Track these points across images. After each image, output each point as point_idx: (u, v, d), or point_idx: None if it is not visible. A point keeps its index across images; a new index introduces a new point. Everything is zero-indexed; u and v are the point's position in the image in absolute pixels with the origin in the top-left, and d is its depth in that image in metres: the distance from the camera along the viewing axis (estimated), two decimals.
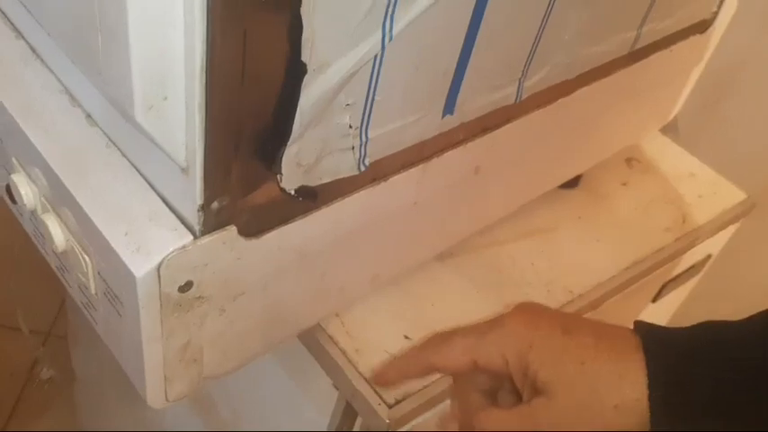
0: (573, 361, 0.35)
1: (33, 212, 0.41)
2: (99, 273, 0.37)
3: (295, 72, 0.31)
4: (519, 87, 0.44)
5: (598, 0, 0.43)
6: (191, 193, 0.33)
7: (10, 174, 0.41)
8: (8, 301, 0.92)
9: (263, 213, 0.36)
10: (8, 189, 0.45)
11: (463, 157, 0.45)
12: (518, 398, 0.38)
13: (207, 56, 0.28)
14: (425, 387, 0.48)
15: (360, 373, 0.48)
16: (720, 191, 0.69)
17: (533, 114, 0.47)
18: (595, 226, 0.62)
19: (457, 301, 0.54)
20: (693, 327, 0.36)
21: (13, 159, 0.41)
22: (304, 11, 0.29)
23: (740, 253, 0.75)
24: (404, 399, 0.47)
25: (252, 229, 0.36)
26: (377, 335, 0.50)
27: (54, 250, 0.40)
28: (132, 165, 0.37)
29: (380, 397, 0.47)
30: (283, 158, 0.33)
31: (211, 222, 0.34)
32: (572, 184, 0.64)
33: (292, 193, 0.35)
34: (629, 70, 0.52)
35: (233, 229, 0.35)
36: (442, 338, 0.40)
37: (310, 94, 0.32)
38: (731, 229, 0.70)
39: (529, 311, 0.39)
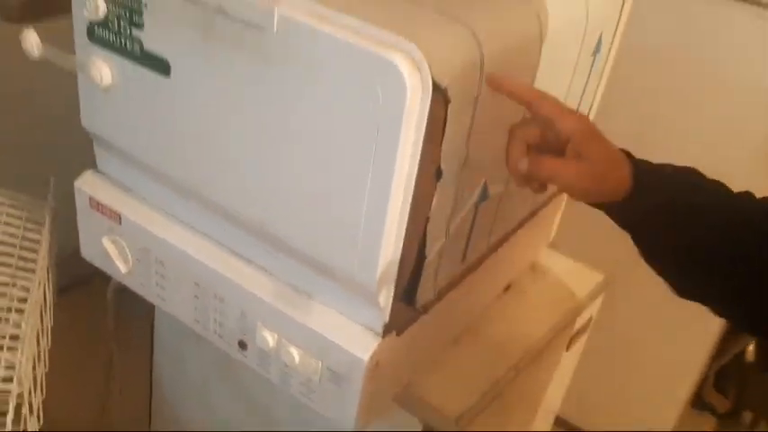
0: (607, 152, 0.67)
1: (272, 350, 0.80)
2: (328, 367, 0.77)
3: (422, 257, 0.74)
4: (489, 243, 0.89)
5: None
6: (382, 318, 0.74)
7: (258, 333, 0.81)
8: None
9: (402, 323, 0.78)
10: (241, 343, 0.85)
11: (470, 278, 0.89)
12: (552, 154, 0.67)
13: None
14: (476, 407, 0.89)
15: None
16: (589, 275, 1.17)
17: (495, 253, 0.92)
18: (530, 307, 1.08)
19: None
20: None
21: (259, 322, 0.81)
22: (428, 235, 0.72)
23: (608, 311, 1.23)
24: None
25: (399, 330, 0.78)
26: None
27: (291, 366, 0.79)
28: (327, 306, 0.77)
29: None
30: (417, 299, 0.76)
31: (387, 330, 0.75)
32: (506, 288, 1.09)
33: (421, 310, 0.77)
34: (530, 223, 1.00)
35: (394, 332, 0.77)
36: (545, 95, 0.67)
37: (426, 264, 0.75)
38: (600, 297, 1.17)
39: (592, 126, 0.68)
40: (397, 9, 0.68)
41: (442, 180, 0.69)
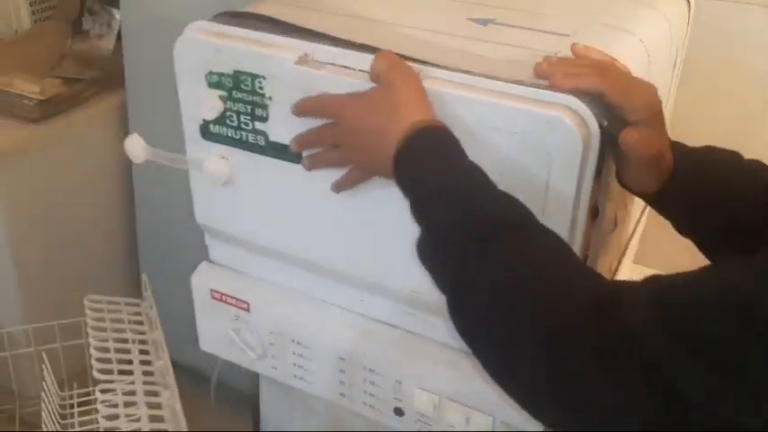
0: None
1: (434, 413, 0.80)
2: (502, 421, 0.77)
3: None
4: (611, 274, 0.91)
5: None
6: None
7: (417, 397, 0.81)
8: None
9: None
10: (397, 410, 0.84)
11: None
12: None
13: None
14: None
15: None
16: None
17: None
18: None
19: None
20: None
21: (417, 388, 0.81)
22: None
23: None
24: None
25: None
26: None
27: (458, 426, 0.79)
28: None
29: None
30: None
31: None
32: None
33: None
34: None
35: None
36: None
37: None
38: None
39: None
40: (526, 63, 0.70)
41: (597, 217, 0.71)
